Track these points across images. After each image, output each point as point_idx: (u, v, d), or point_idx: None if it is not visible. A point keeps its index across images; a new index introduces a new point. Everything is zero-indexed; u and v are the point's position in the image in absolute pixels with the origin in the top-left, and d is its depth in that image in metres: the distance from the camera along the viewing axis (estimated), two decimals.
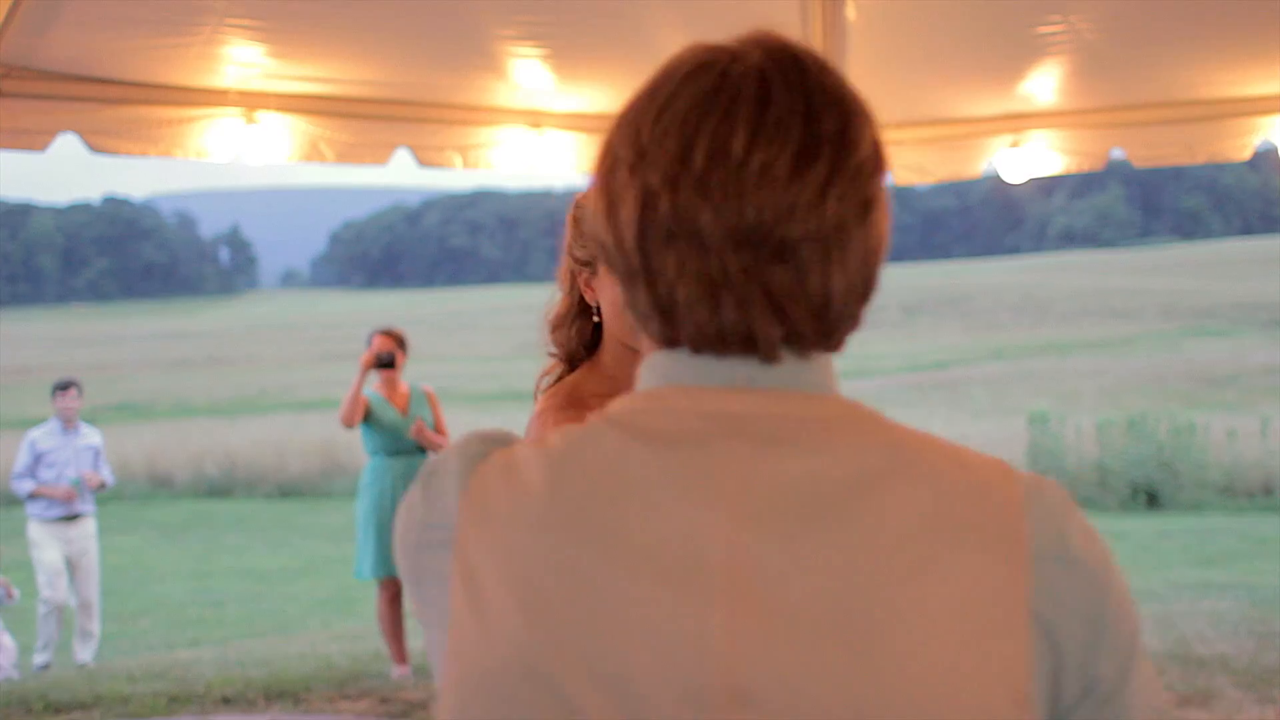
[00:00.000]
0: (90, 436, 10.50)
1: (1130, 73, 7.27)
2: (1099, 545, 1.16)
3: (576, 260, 2.59)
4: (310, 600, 13.49)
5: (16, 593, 9.76)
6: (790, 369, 1.14)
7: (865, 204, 1.13)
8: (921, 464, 1.12)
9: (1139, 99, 7.41)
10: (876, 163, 1.14)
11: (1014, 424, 20.26)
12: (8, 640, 9.31)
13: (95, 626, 10.30)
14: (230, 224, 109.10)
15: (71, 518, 10.10)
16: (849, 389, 1.16)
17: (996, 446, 19.35)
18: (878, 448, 1.12)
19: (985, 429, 21.46)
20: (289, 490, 22.39)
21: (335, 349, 48.45)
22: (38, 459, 10.18)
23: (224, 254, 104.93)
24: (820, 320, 1.13)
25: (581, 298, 2.60)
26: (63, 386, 10.34)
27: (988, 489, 1.12)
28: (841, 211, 1.11)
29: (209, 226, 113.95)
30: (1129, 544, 13.15)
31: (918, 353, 43.20)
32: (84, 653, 10.12)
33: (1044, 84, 7.38)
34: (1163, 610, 9.52)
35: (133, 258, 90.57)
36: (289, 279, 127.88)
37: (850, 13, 7.00)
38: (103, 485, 10.34)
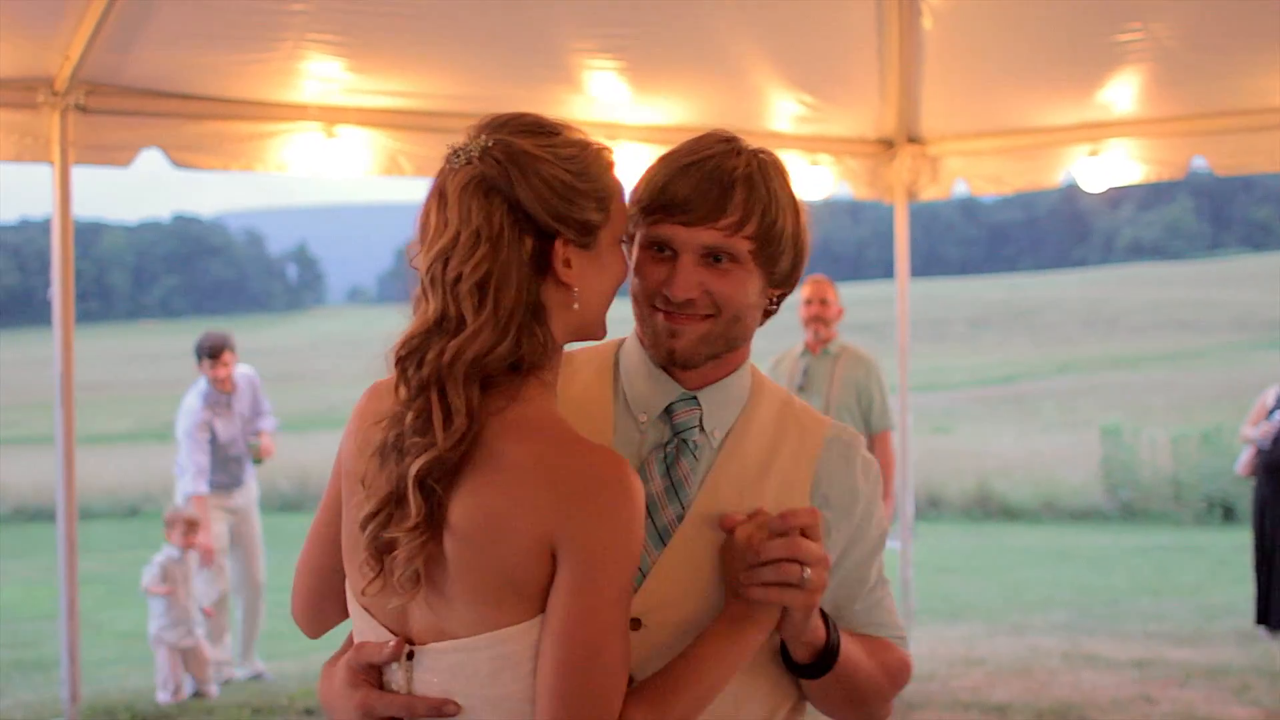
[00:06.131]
0: (245, 394, 8.46)
1: (1211, 80, 7.17)
2: None
3: None
4: None
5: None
6: None
7: None
8: None
9: (1220, 107, 7.30)
10: None
11: (1085, 438, 20.00)
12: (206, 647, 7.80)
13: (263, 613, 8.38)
14: (298, 241, 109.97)
15: (235, 485, 8.32)
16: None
17: (1069, 460, 19.11)
18: None
19: (1056, 443, 21.19)
20: None
21: None
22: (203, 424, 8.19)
23: (291, 271, 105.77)
24: None
25: None
26: (213, 353, 8.23)
27: None
28: None
29: (277, 244, 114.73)
30: (1206, 558, 12.94)
31: (985, 366, 42.84)
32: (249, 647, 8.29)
33: (1123, 92, 7.29)
34: (1244, 624, 9.38)
35: (202, 275, 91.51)
36: (355, 295, 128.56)
37: (926, 23, 6.97)
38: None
